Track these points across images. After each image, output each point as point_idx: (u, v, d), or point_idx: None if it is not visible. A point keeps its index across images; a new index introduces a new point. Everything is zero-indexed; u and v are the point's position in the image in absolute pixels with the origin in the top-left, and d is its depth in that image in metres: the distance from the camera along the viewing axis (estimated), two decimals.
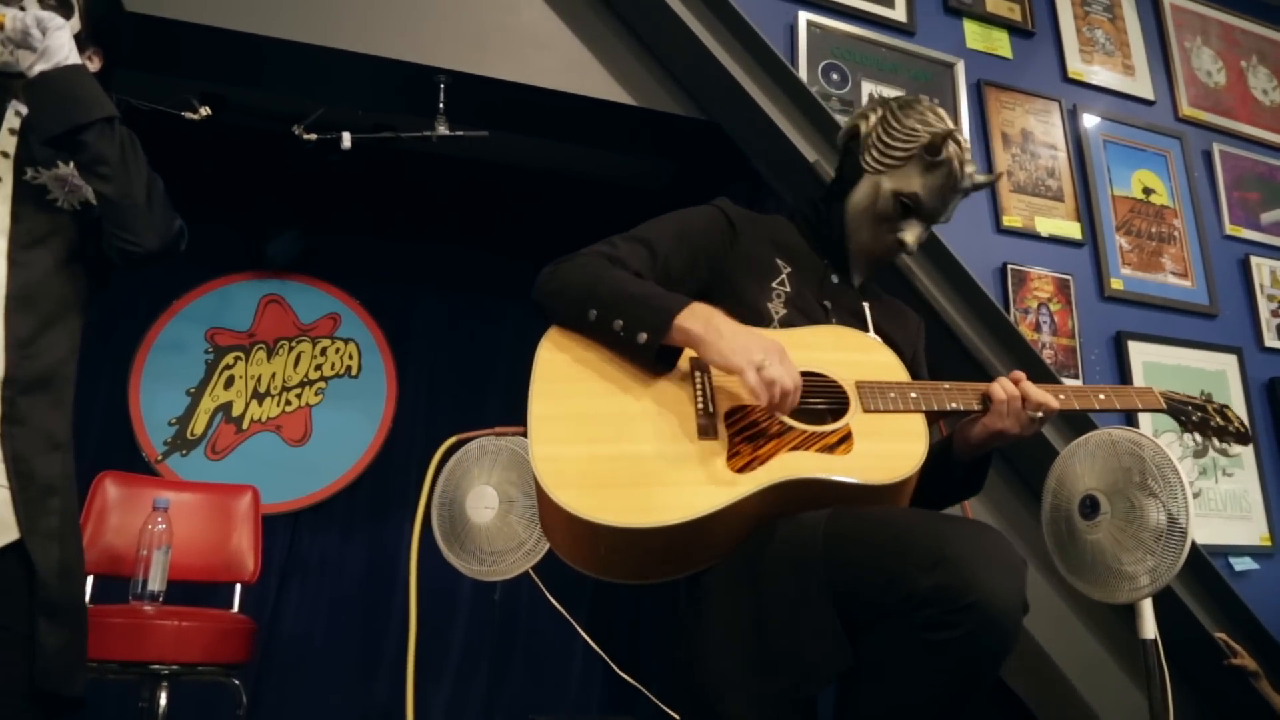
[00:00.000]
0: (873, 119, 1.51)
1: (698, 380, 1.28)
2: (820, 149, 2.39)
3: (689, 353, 1.29)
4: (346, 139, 2.52)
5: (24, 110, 1.44)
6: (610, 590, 3.34)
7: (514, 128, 2.73)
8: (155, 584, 2.18)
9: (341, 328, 3.60)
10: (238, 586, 2.56)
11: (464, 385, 3.66)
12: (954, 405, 1.34)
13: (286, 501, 3.28)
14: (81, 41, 1.47)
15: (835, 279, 1.51)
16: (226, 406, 3.41)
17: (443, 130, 2.43)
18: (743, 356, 1.19)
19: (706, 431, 1.22)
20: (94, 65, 1.52)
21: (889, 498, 1.22)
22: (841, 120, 2.39)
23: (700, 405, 1.25)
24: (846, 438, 1.24)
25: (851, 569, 1.07)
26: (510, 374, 3.69)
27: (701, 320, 1.24)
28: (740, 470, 1.19)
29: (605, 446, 1.20)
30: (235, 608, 2.50)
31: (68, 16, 1.44)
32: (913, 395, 1.31)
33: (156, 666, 2.11)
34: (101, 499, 2.45)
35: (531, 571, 2.29)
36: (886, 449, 1.23)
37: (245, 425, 3.41)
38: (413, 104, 2.52)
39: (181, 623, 2.11)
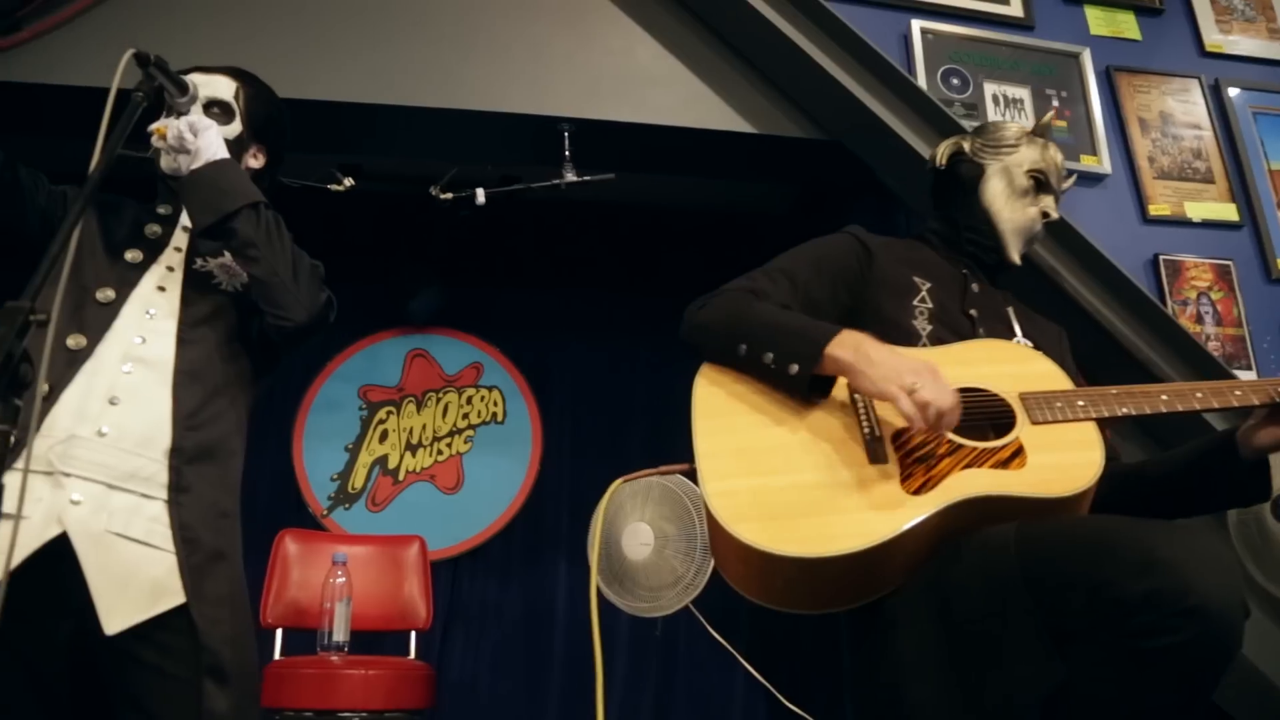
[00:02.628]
0: (969, 139, 1.65)
1: (859, 405, 1.28)
2: None
3: (845, 381, 1.28)
4: (480, 195, 2.61)
5: None
6: (767, 620, 3.29)
7: (638, 167, 2.77)
8: (340, 635, 2.28)
9: (485, 376, 3.72)
10: (413, 634, 2.66)
11: (605, 424, 3.71)
12: (1125, 410, 1.28)
13: (445, 548, 3.39)
14: (244, 141, 1.59)
15: (976, 287, 1.52)
16: (383, 459, 3.57)
17: (570, 177, 2.49)
18: (893, 382, 1.19)
19: (876, 456, 1.21)
20: (258, 162, 1.63)
21: (1070, 509, 1.17)
22: (966, 124, 2.34)
23: (866, 431, 1.24)
24: (1019, 452, 1.21)
25: (1052, 581, 1.04)
26: (649, 410, 3.73)
27: (850, 348, 1.24)
28: (915, 492, 1.17)
29: (776, 478, 1.21)
30: (412, 654, 2.59)
31: (229, 120, 1.56)
32: (1080, 403, 1.27)
33: (347, 714, 2.19)
34: (284, 555, 2.59)
35: (691, 605, 2.30)
36: (1062, 460, 1.20)
37: (401, 476, 3.55)
38: (540, 154, 2.60)
39: (368, 671, 2.20)
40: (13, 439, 0.87)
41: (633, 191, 3.52)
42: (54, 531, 1.26)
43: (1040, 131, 1.63)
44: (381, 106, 2.47)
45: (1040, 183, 1.58)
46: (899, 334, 1.38)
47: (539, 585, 3.52)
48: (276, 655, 2.58)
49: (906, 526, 1.13)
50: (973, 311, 1.48)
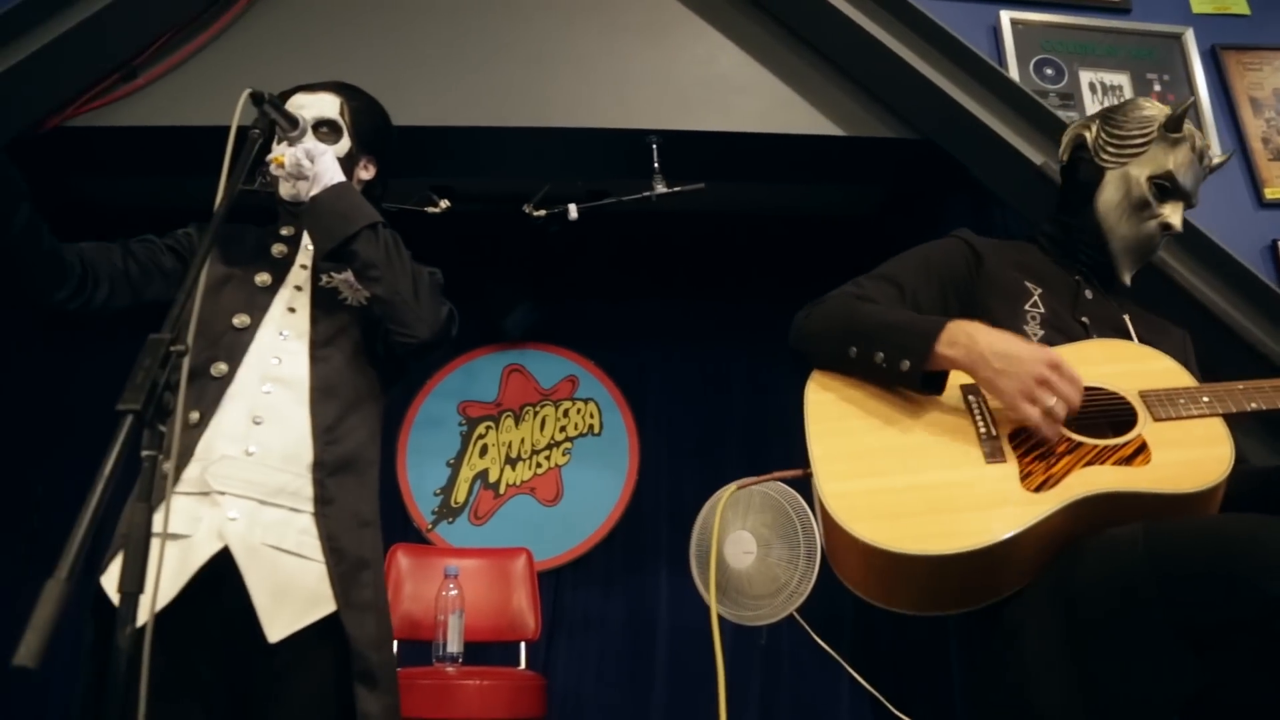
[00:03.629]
0: (1094, 126, 1.53)
1: (973, 403, 1.26)
2: (1045, 149, 2.28)
3: (958, 377, 1.27)
4: (573, 210, 2.65)
5: None
6: (872, 627, 3.25)
7: (727, 175, 2.78)
8: (454, 646, 2.34)
9: (580, 389, 3.77)
10: (522, 645, 2.71)
11: (702, 433, 3.71)
12: (1255, 405, 1.23)
13: (548, 560, 3.43)
14: (354, 155, 1.65)
15: (1089, 294, 1.47)
16: (484, 474, 3.64)
17: (660, 189, 2.51)
18: (1014, 385, 1.17)
19: (993, 454, 1.19)
20: (368, 173, 1.70)
21: (1199, 506, 1.13)
22: (1064, 117, 2.28)
23: (982, 430, 1.23)
24: (1142, 449, 1.18)
25: (1187, 579, 1.00)
26: (745, 418, 3.72)
27: (964, 345, 1.23)
28: (1036, 490, 1.15)
29: (893, 479, 1.20)
30: (522, 665, 2.64)
31: (338, 138, 1.62)
32: (1205, 399, 1.23)
33: None
34: (397, 570, 2.67)
35: (796, 613, 2.27)
36: (1189, 456, 1.16)
37: (502, 490, 3.62)
38: (629, 167, 2.63)
39: (483, 682, 2.26)
40: (163, 464, 0.92)
41: (722, 200, 3.52)
42: (216, 547, 1.34)
43: (1172, 126, 1.45)
44: (473, 129, 2.53)
45: (1165, 189, 1.45)
46: None
47: (641, 594, 3.54)
48: None
49: (1029, 524, 1.10)
50: (1085, 319, 1.44)
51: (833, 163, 2.74)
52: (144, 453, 0.92)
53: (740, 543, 2.29)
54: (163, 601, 1.24)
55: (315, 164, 1.50)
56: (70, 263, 1.45)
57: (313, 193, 1.49)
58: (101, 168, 2.87)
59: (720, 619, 2.43)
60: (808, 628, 2.42)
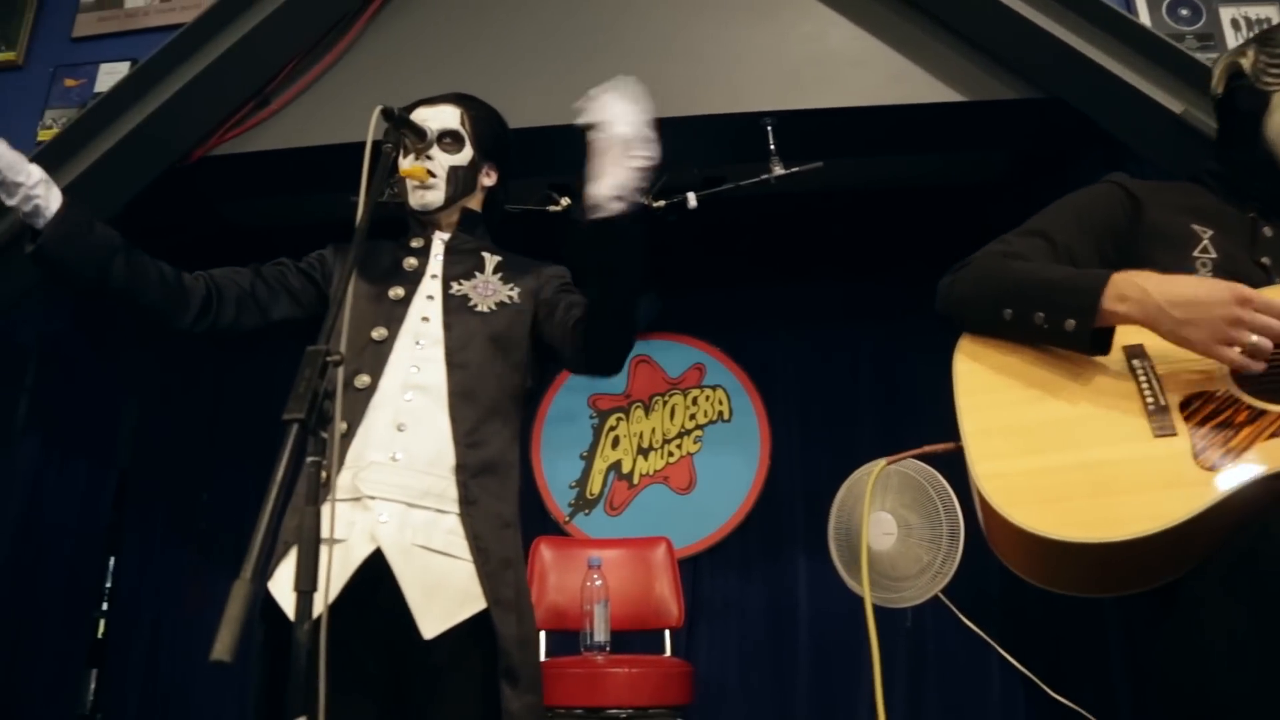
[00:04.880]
0: (1250, 51, 1.39)
1: (1139, 371, 1.17)
2: (1185, 96, 2.15)
3: (1120, 341, 1.18)
4: (692, 198, 2.64)
5: (446, 238, 1.69)
6: (1019, 605, 3.15)
7: (845, 152, 2.73)
8: (600, 635, 2.39)
9: (708, 376, 3.77)
10: (666, 632, 2.74)
11: (833, 415, 3.67)
12: None
13: (684, 547, 3.45)
14: (477, 163, 1.70)
15: (1268, 232, 1.33)
16: (617, 465, 3.69)
17: (778, 170, 2.49)
18: (1203, 333, 1.09)
19: (1163, 428, 1.11)
20: (491, 180, 1.75)
21: None
22: (1203, 59, 2.14)
23: (1149, 399, 1.14)
24: None
25: None
26: (876, 397, 3.65)
27: (1135, 298, 1.14)
28: (1212, 468, 1.06)
29: (1052, 456, 1.13)
30: (667, 652, 2.67)
31: (460, 148, 1.68)
32: None
33: (614, 711, 2.29)
34: (541, 562, 2.75)
35: (941, 594, 2.22)
36: None
37: (636, 480, 3.66)
38: (745, 151, 2.61)
39: (631, 669, 2.30)
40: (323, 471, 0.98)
41: (841, 177, 3.45)
42: (370, 549, 1.40)
43: None
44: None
45: None
46: None
47: (779, 579, 3.52)
48: (542, 656, 2.71)
49: (1206, 505, 1.02)
50: (1265, 260, 1.29)
51: (954, 130, 2.66)
52: (309, 459, 0.97)
53: (880, 524, 2.25)
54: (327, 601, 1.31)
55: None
56: (191, 289, 1.54)
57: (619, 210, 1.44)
58: (242, 192, 3.04)
59: (887, 607, 2.41)
60: (954, 608, 2.37)
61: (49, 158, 2.46)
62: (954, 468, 1.72)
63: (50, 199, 1.44)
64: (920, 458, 2.20)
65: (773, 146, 2.52)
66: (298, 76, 2.67)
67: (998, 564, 1.34)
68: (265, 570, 0.96)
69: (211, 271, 1.61)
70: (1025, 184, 3.30)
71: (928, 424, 3.34)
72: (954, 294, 1.32)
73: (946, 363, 1.51)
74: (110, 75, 2.86)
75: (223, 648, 0.78)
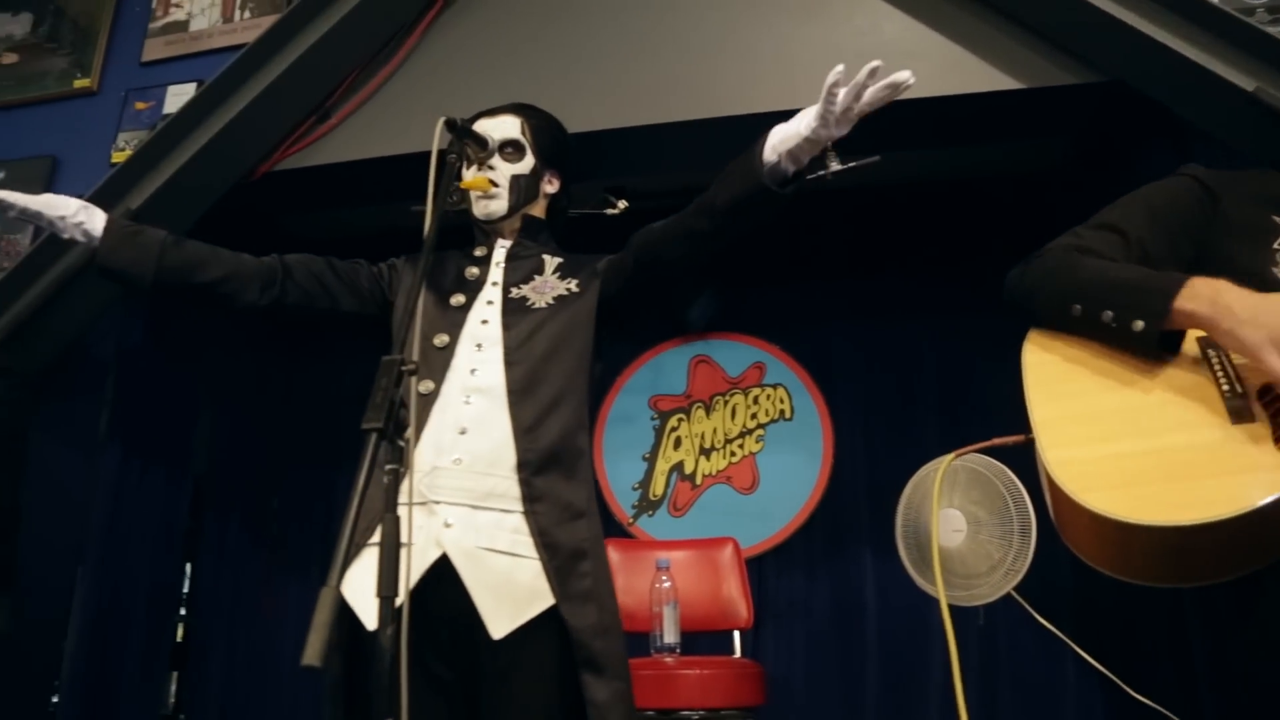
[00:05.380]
0: None
1: (1214, 360, 1.15)
2: (1258, 73, 2.08)
3: (1195, 333, 1.16)
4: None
5: (508, 245, 1.72)
6: (1094, 601, 3.08)
7: (903, 145, 2.69)
8: (670, 637, 2.39)
9: (768, 375, 3.75)
10: (735, 633, 2.74)
11: (896, 412, 3.62)
12: None
13: (749, 547, 3.43)
14: (539, 171, 1.73)
15: None
16: (679, 466, 3.69)
17: (835, 166, 2.47)
18: (1260, 334, 1.06)
19: (1241, 414, 1.09)
20: (553, 187, 1.78)
21: None
22: (1276, 33, 2.08)
23: (1225, 387, 1.11)
24: None
25: None
26: (939, 392, 3.60)
27: (1207, 299, 1.12)
28: None
29: (1126, 443, 1.11)
30: (736, 653, 2.67)
31: (521, 157, 1.70)
32: None
33: (686, 713, 2.29)
34: (609, 564, 2.77)
35: (1014, 592, 2.19)
36: None
37: (699, 481, 3.66)
38: None
39: (703, 671, 2.30)
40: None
41: (899, 170, 3.42)
42: (436, 554, 1.43)
43: None
44: (640, 128, 2.57)
45: None
46: (1258, 286, 1.19)
47: (846, 579, 3.49)
48: None
49: None
50: None
51: (1013, 118, 2.62)
52: (386, 467, 0.99)
53: (949, 521, 2.22)
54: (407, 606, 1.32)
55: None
56: (256, 265, 1.67)
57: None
58: (304, 205, 3.11)
59: (932, 601, 2.37)
60: (1027, 606, 2.32)
61: (122, 180, 2.55)
62: (1023, 462, 1.69)
63: (94, 220, 1.61)
64: (987, 451, 2.17)
65: (830, 142, 2.50)
66: (356, 90, 2.73)
67: (1071, 559, 1.31)
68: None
69: (287, 255, 1.70)
70: (1089, 171, 3.23)
71: (993, 420, 3.28)
72: (1024, 285, 1.31)
73: (1011, 357, 1.49)
74: (178, 97, 2.95)
75: (313, 653, 0.81)
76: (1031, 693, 3.28)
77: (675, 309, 3.75)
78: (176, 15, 3.10)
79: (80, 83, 3.11)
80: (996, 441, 1.46)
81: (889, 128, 2.58)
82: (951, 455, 1.48)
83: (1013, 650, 3.25)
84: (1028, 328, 1.32)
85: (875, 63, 1.32)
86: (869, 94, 1.34)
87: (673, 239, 1.59)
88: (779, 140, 1.44)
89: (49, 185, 2.98)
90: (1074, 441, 1.14)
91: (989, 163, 3.48)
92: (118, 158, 2.90)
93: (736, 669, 2.42)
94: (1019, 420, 1.34)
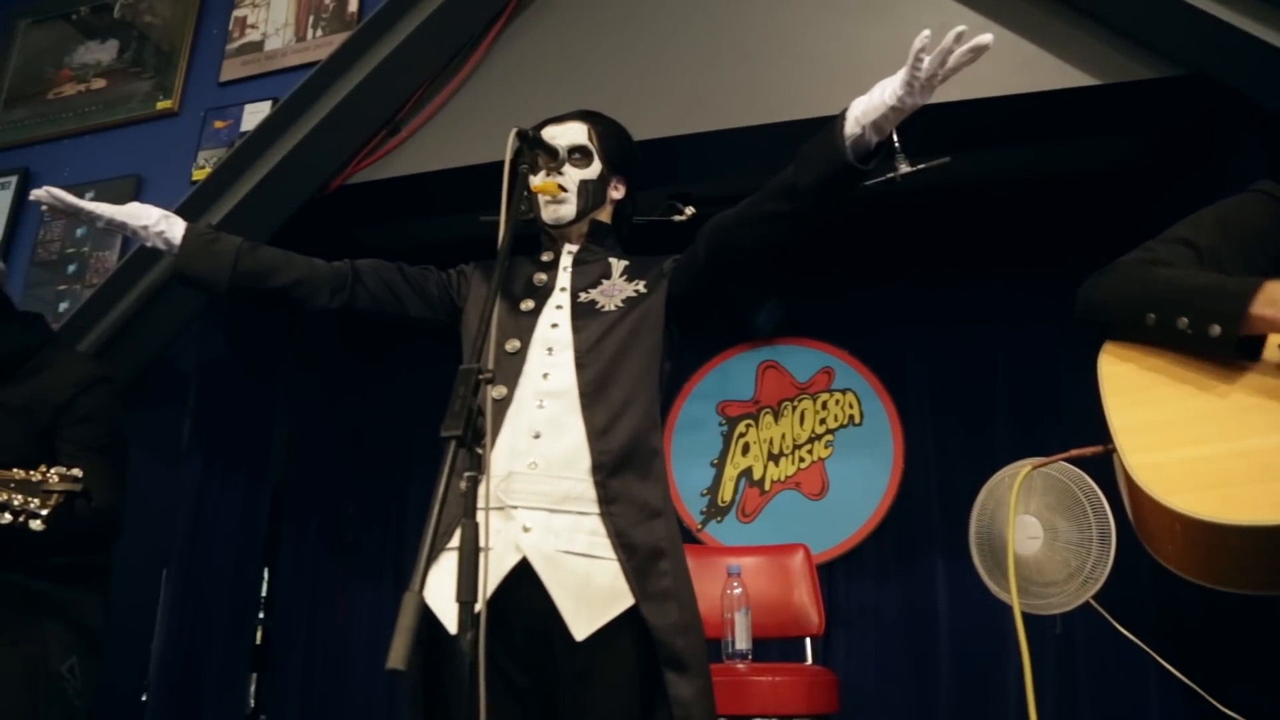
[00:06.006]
0: None
1: None
2: None
3: (1276, 336, 1.13)
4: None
5: (575, 250, 1.73)
6: (1178, 611, 2.98)
7: (973, 145, 2.66)
8: (742, 643, 2.39)
9: (837, 380, 3.72)
10: (807, 640, 2.72)
11: (968, 416, 3.56)
12: None
13: (818, 554, 3.40)
14: (605, 177, 1.74)
15: None
16: (747, 471, 3.68)
17: (904, 168, 2.43)
18: None
19: None
20: (619, 193, 1.79)
21: None
22: None
23: None
24: None
25: None
26: (1012, 396, 3.53)
27: None
28: None
29: (1210, 446, 1.09)
30: (808, 660, 2.65)
31: (589, 162, 1.72)
32: None
33: None
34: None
35: (1093, 600, 2.13)
36: None
37: (767, 487, 3.64)
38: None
39: (775, 678, 2.29)
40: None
41: (970, 171, 3.37)
42: (515, 559, 1.44)
43: None
44: (705, 134, 2.58)
45: None
46: None
47: (917, 586, 3.44)
48: None
49: None
50: None
51: (1088, 115, 2.55)
52: (465, 474, 1.01)
53: (1024, 528, 2.18)
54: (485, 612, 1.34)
55: None
56: (328, 269, 1.71)
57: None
58: (376, 217, 3.18)
59: (1005, 610, 2.32)
60: (1107, 615, 2.26)
61: (203, 197, 2.63)
62: (1102, 470, 1.64)
63: (174, 229, 1.69)
64: (1068, 462, 2.12)
65: (897, 144, 2.47)
66: (425, 103, 2.78)
67: (1152, 566, 1.27)
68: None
69: (359, 260, 1.75)
70: (1169, 167, 3.14)
71: (1069, 424, 3.23)
72: (1095, 299, 1.29)
73: (1087, 360, 1.46)
74: (254, 115, 3.04)
75: (397, 657, 0.82)
76: (1111, 705, 3.19)
77: (742, 315, 3.74)
78: (252, 36, 3.20)
79: (163, 104, 3.22)
80: (1075, 453, 1.42)
81: (960, 128, 2.56)
82: (1028, 466, 1.45)
83: (1092, 661, 3.17)
84: (1101, 337, 1.30)
85: (960, 27, 1.31)
86: (953, 58, 1.33)
87: (748, 224, 1.57)
88: (861, 113, 1.43)
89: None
90: (1156, 446, 1.12)
91: (1063, 162, 3.41)
92: (198, 175, 3.00)
93: (810, 676, 2.40)
94: (1096, 424, 1.31)
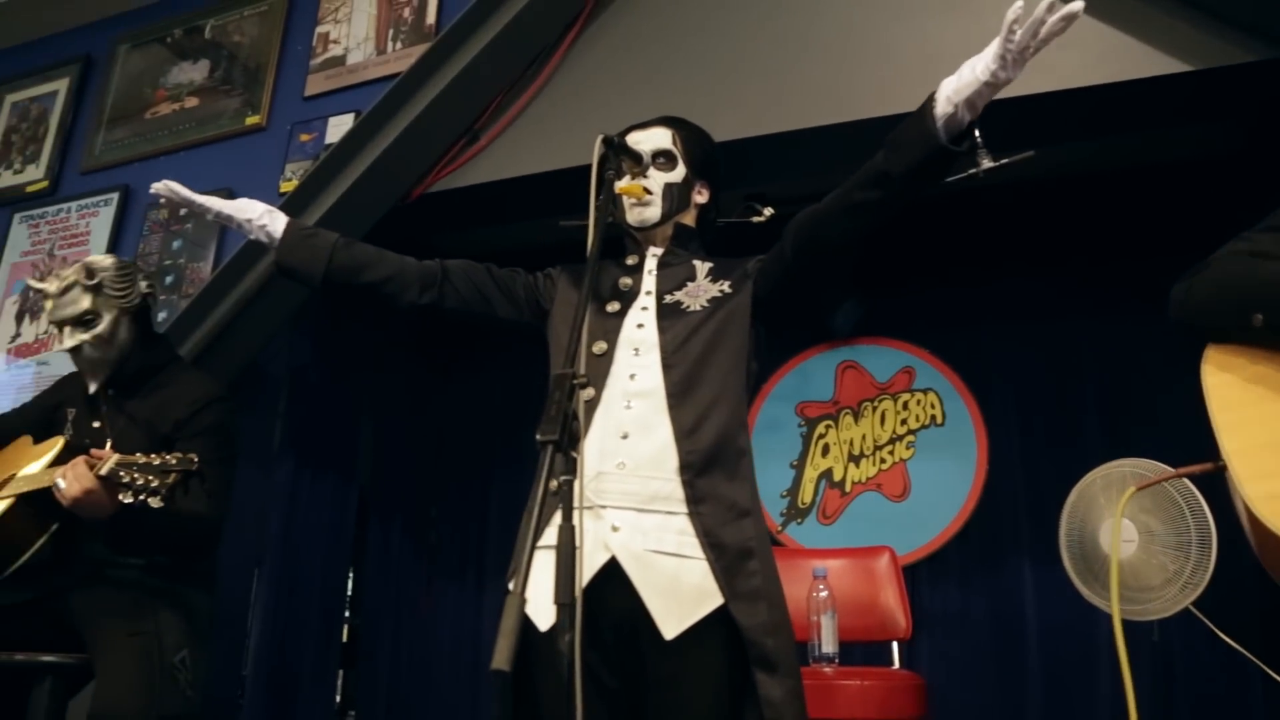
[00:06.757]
0: None
1: None
2: None
3: None
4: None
5: (659, 253, 1.74)
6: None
7: (1059, 138, 2.59)
8: (829, 647, 2.36)
9: (918, 380, 3.66)
10: (894, 644, 2.68)
11: (1054, 416, 3.47)
12: None
13: (901, 556, 3.36)
14: (690, 181, 1.75)
15: None
16: (828, 473, 3.65)
17: (987, 164, 2.38)
18: None
19: None
20: (703, 197, 1.80)
21: None
22: None
23: None
24: None
25: None
26: (1101, 395, 3.43)
27: None
28: None
29: None
30: (895, 664, 2.61)
31: (673, 166, 1.73)
32: None
33: None
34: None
35: (1192, 606, 2.06)
36: None
37: (848, 488, 3.60)
38: None
39: (863, 682, 2.26)
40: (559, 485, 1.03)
41: (1053, 164, 3.29)
42: (604, 558, 1.46)
43: None
44: (782, 134, 2.56)
45: None
46: None
47: (1003, 590, 3.36)
48: None
49: None
50: None
51: (1180, 103, 2.47)
52: (562, 477, 1.02)
53: (1118, 531, 2.11)
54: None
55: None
56: (418, 267, 1.76)
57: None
58: (456, 224, 3.23)
59: (1096, 614, 2.26)
60: (1208, 622, 2.18)
61: (290, 208, 2.71)
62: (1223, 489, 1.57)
63: (276, 224, 1.79)
64: (1147, 463, 2.06)
65: (980, 139, 2.42)
66: (503, 111, 2.82)
67: (1256, 571, 1.22)
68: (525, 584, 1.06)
69: (449, 260, 1.80)
70: (1265, 154, 3.01)
71: (1160, 422, 3.12)
72: (1192, 300, 1.23)
73: (1177, 355, 1.39)
74: (338, 127, 3.12)
75: (502, 658, 0.84)
76: (1212, 714, 3.07)
77: (821, 315, 3.71)
78: (334, 51, 3.29)
79: (251, 119, 3.33)
80: (1184, 470, 1.36)
81: (1044, 121, 2.50)
82: (1133, 488, 1.39)
83: (1192, 668, 3.06)
84: (1202, 340, 1.24)
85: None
86: (1045, 29, 1.30)
87: (838, 215, 1.56)
88: (952, 91, 1.41)
89: None
90: (1274, 473, 1.07)
91: (1152, 151, 3.30)
92: (285, 187, 3.09)
93: (898, 681, 2.36)
94: (1192, 423, 1.26)
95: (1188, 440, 2.36)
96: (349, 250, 1.76)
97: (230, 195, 3.17)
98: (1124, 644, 1.19)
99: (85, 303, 2.17)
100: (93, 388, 2.20)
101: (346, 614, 3.75)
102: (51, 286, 2.20)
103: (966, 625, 3.38)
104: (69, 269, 2.22)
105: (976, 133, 2.42)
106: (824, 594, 2.48)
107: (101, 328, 2.17)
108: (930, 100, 1.43)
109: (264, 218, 1.78)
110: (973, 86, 1.38)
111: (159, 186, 1.84)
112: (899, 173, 1.45)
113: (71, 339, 2.16)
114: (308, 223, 2.70)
